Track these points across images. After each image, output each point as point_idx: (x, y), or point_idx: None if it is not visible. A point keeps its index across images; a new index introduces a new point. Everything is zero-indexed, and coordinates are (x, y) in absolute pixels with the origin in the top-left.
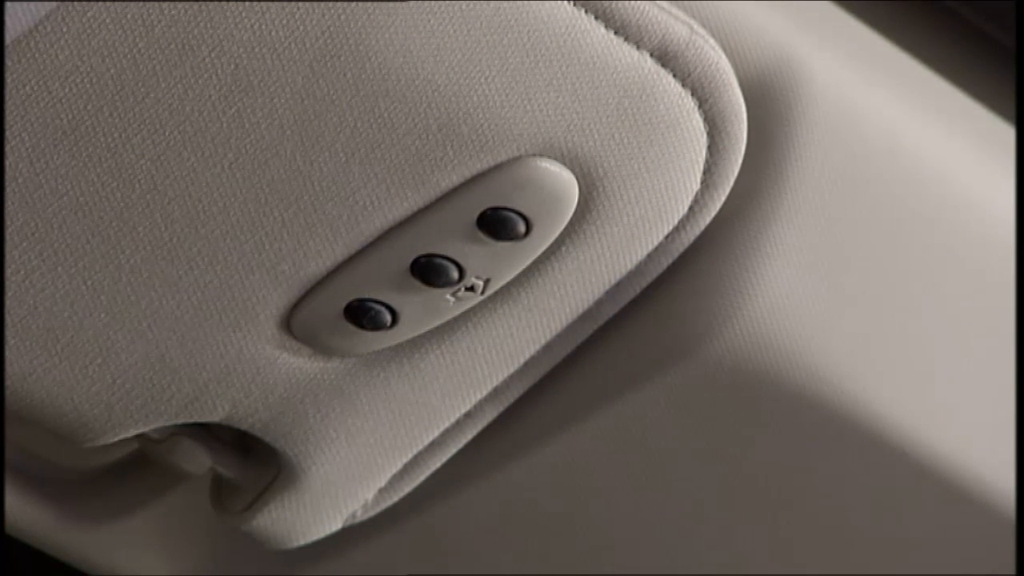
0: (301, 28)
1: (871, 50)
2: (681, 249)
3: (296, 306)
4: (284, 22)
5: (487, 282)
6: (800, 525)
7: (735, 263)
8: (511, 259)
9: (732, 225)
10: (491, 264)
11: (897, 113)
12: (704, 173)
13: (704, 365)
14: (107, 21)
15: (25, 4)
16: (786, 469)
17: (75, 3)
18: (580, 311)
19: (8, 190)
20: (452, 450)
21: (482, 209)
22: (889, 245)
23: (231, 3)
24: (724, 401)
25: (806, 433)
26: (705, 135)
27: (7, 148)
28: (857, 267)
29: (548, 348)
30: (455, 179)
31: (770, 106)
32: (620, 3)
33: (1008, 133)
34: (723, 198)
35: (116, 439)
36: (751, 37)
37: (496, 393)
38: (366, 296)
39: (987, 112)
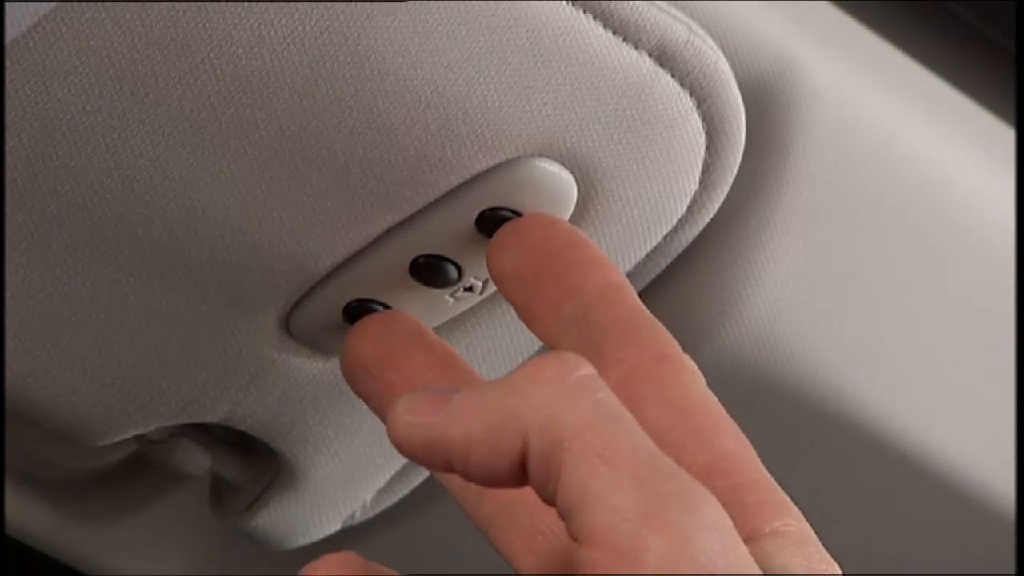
0: (300, 28)
1: (870, 52)
2: (680, 249)
3: (295, 306)
4: (283, 22)
5: (486, 282)
6: None
7: (733, 265)
8: None
9: (730, 227)
10: None
11: (896, 115)
12: (702, 173)
13: (702, 366)
14: (106, 21)
15: (24, 4)
16: (783, 470)
17: (74, 3)
18: None
19: (7, 190)
20: None
21: (481, 209)
22: (887, 246)
23: (230, 3)
24: (722, 401)
25: (804, 435)
26: (703, 135)
27: (6, 148)
28: (855, 268)
29: (546, 349)
30: (454, 179)
31: (769, 107)
32: (619, 3)
33: (1008, 135)
34: (722, 198)
35: (115, 440)
36: (750, 39)
37: None
38: (365, 296)
39: (987, 114)
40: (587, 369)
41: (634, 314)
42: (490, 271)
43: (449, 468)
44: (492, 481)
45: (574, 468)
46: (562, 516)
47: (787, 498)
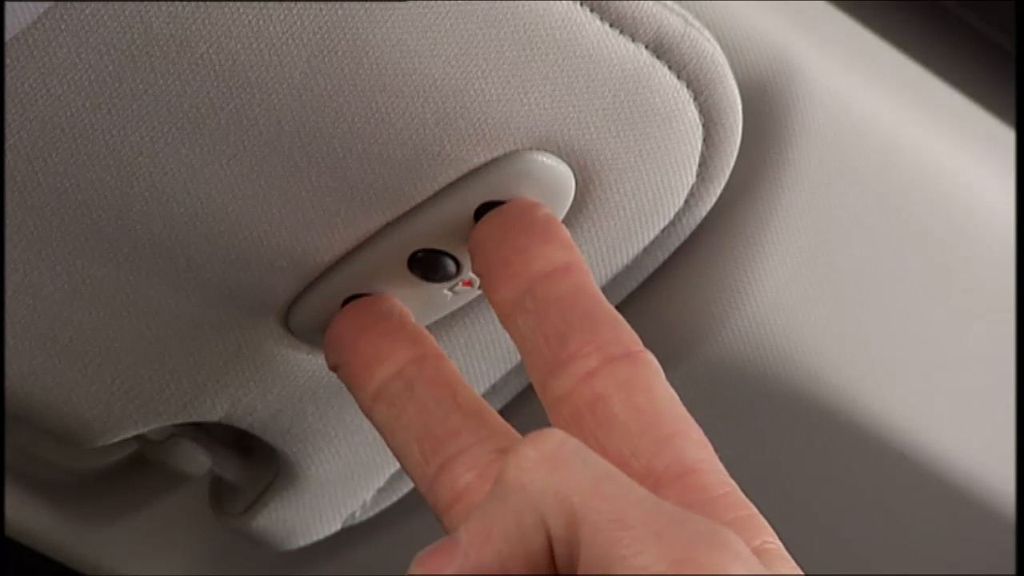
0: (298, 23)
1: (869, 51)
2: (677, 243)
3: (294, 302)
4: (281, 17)
5: None
6: (797, 525)
7: (732, 260)
8: None
9: (729, 223)
10: None
11: (895, 113)
12: (700, 166)
13: (700, 364)
14: (105, 17)
15: (24, 2)
16: (783, 469)
17: (73, 1)
18: None
19: (6, 188)
20: None
21: (479, 203)
22: (886, 244)
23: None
24: (720, 400)
25: (803, 433)
26: (700, 127)
27: (5, 146)
28: (855, 265)
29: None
30: (452, 173)
31: (768, 105)
32: None
33: (1007, 135)
34: (719, 191)
35: (115, 440)
36: (749, 37)
37: (494, 390)
38: (364, 291)
39: (986, 114)
40: (560, 434)
41: (596, 303)
42: (468, 247)
43: None
44: None
45: (592, 542)
46: None
47: (758, 512)
